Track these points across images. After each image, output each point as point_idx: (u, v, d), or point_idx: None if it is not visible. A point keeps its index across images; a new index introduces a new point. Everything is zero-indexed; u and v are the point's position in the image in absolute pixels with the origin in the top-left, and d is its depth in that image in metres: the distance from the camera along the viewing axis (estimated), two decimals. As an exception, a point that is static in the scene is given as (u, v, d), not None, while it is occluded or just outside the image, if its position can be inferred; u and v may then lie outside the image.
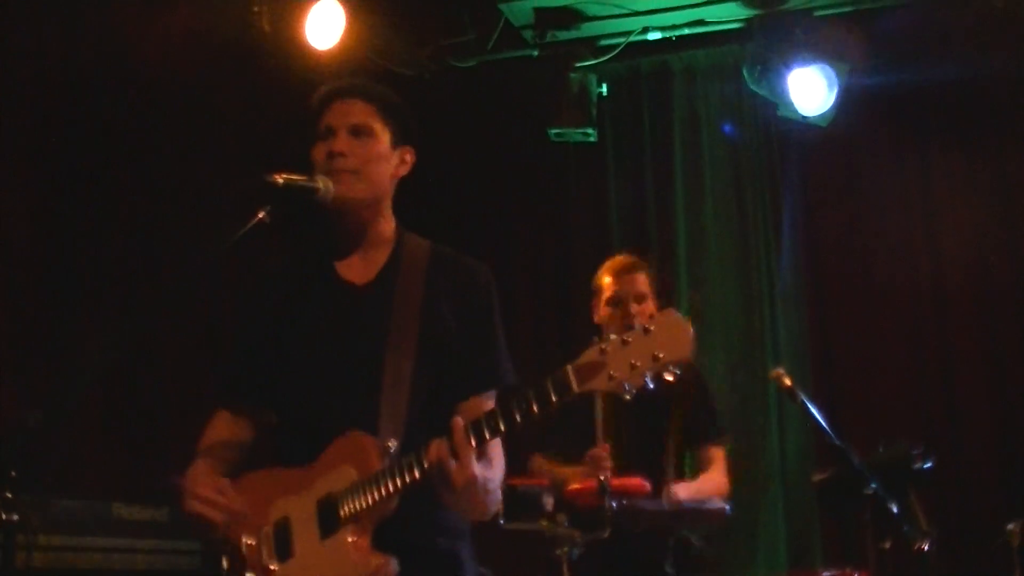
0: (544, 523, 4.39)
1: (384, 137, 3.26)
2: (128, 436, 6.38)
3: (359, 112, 3.25)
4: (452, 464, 2.84)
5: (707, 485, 5.01)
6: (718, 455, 5.17)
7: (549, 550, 4.37)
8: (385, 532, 3.00)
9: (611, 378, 2.66)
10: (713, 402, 5.31)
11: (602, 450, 4.57)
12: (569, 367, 2.71)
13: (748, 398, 6.85)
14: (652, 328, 2.64)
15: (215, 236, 3.06)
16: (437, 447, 2.86)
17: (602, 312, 5.10)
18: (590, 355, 2.69)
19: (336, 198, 3.17)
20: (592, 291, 5.19)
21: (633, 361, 2.64)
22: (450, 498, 2.92)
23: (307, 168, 3.21)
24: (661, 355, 2.63)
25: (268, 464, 3.23)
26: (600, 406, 4.67)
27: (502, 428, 2.81)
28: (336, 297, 3.25)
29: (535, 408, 2.75)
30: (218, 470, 3.24)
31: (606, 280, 5.13)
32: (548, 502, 4.40)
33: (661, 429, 5.02)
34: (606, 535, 4.38)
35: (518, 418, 2.78)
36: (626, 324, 4.95)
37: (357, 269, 3.28)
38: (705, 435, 5.14)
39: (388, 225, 3.32)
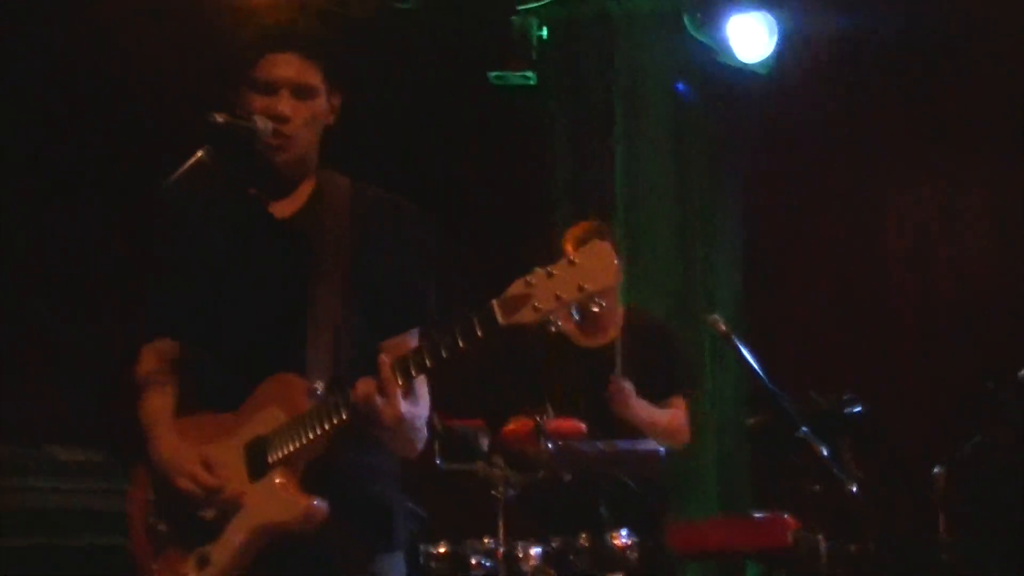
0: (480, 464, 4.41)
1: (323, 92, 3.21)
2: (63, 378, 6.35)
3: (301, 70, 3.17)
4: (379, 402, 2.84)
5: (664, 415, 5.05)
6: (679, 403, 5.22)
7: (485, 491, 4.40)
8: (315, 475, 2.99)
9: (536, 310, 2.64)
10: (676, 354, 5.34)
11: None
12: (495, 301, 2.69)
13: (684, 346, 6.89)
14: (577, 260, 2.63)
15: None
16: (364, 385, 2.86)
17: None
18: (516, 288, 2.68)
19: (277, 160, 3.15)
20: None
21: (558, 293, 2.63)
22: (378, 436, 2.94)
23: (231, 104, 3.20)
24: (586, 286, 2.62)
25: (197, 406, 3.21)
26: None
27: (428, 364, 2.81)
28: (260, 232, 3.22)
29: (461, 343, 2.74)
30: (169, 402, 3.23)
31: (569, 249, 5.10)
32: (484, 443, 4.44)
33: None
34: (541, 477, 4.42)
35: (444, 353, 2.77)
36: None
37: (280, 204, 3.25)
38: (667, 388, 5.18)
39: (312, 163, 3.29)
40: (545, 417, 4.38)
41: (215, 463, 3.05)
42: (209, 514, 3.05)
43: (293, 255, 3.18)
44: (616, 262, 2.62)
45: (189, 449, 3.08)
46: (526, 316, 2.66)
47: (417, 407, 2.99)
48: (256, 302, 3.16)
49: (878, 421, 6.38)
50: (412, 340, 3.12)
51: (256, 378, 3.07)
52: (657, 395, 5.14)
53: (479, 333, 2.72)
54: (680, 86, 7.17)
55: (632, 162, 7.12)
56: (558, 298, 2.63)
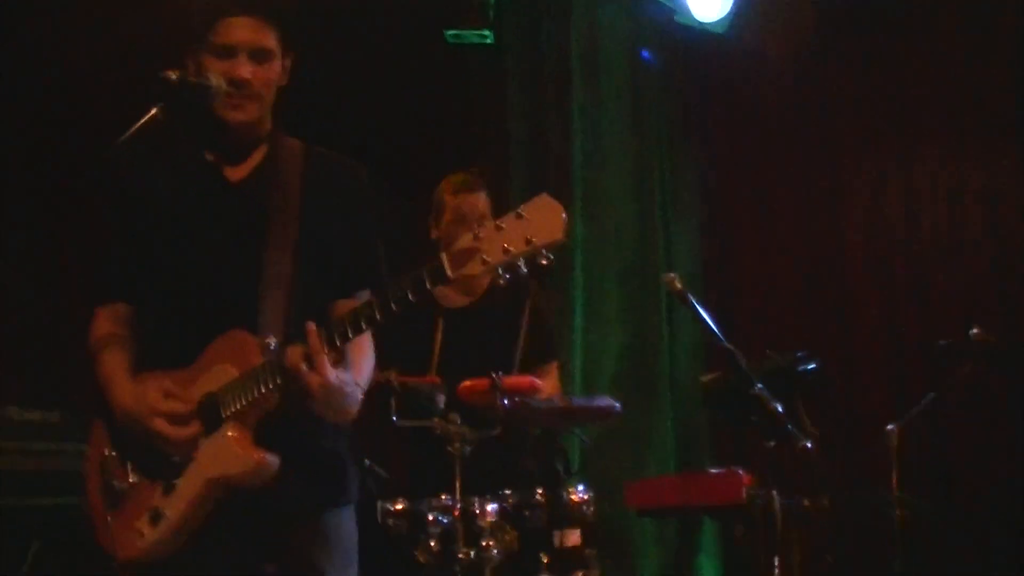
0: (436, 421, 4.42)
1: (279, 55, 3.23)
2: (19, 338, 6.33)
3: (257, 32, 3.19)
4: (306, 370, 2.87)
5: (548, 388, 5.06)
6: (552, 371, 5.20)
7: (441, 447, 4.42)
8: (267, 429, 3.03)
9: (484, 263, 2.68)
10: (547, 323, 5.35)
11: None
12: (443, 254, 2.73)
13: (641, 303, 6.93)
14: (525, 214, 2.66)
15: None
16: (292, 353, 2.88)
17: (443, 229, 5.05)
18: (464, 242, 2.71)
19: (233, 121, 3.17)
20: (432, 206, 5.11)
21: (506, 245, 2.66)
22: (306, 402, 2.95)
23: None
24: (534, 239, 2.65)
25: (151, 365, 3.21)
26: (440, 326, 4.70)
27: (379, 318, 2.83)
28: (213, 193, 3.24)
29: (411, 296, 2.77)
30: (125, 362, 3.24)
31: (448, 198, 5.10)
32: (440, 400, 4.44)
33: (506, 350, 5.05)
34: (497, 433, 4.44)
35: (395, 307, 2.80)
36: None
37: (233, 166, 3.27)
38: (540, 357, 5.17)
39: (265, 125, 3.30)
40: (499, 373, 4.39)
41: (175, 397, 3.07)
42: (175, 457, 3.07)
43: (245, 216, 3.20)
44: (563, 214, 2.64)
45: (151, 391, 3.10)
46: (474, 268, 2.70)
47: (349, 372, 3.02)
48: (208, 262, 3.17)
49: (832, 379, 6.46)
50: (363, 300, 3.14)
51: (209, 337, 3.09)
52: (533, 365, 5.14)
53: (428, 285, 2.74)
54: (644, 53, 7.17)
55: (589, 123, 7.12)
56: (506, 251, 2.66)
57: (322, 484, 3.20)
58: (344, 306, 3.09)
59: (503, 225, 2.67)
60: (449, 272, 2.71)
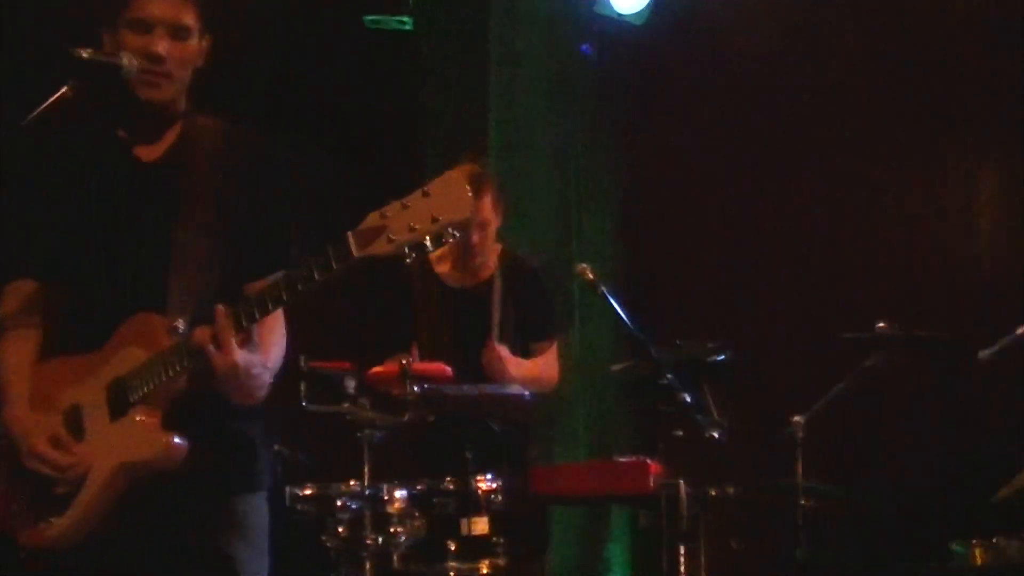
0: (346, 406, 4.42)
1: (196, 33, 3.19)
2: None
3: (176, 8, 3.14)
4: (213, 351, 2.86)
5: (535, 367, 5.12)
6: (550, 348, 5.32)
7: (351, 433, 4.42)
8: (177, 413, 3.00)
9: (391, 241, 2.66)
10: (548, 300, 5.41)
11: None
12: (349, 233, 2.71)
13: (554, 293, 6.95)
14: (431, 191, 2.65)
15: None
16: (199, 333, 2.87)
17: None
18: (371, 221, 2.69)
19: (147, 99, 3.13)
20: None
21: (412, 224, 2.64)
22: (213, 384, 2.94)
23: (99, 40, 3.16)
24: (440, 217, 2.64)
25: (60, 347, 3.18)
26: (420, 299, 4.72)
27: (285, 298, 2.82)
28: (124, 173, 3.20)
29: (317, 275, 2.76)
30: (30, 349, 3.20)
31: None
32: (350, 385, 4.44)
33: (484, 326, 5.10)
34: (406, 419, 4.45)
35: (301, 287, 2.79)
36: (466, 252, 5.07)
37: (147, 146, 3.23)
38: (540, 331, 5.27)
39: (180, 104, 3.27)
40: (410, 360, 4.40)
41: (74, 404, 3.05)
42: (60, 489, 3.04)
43: (157, 196, 3.16)
44: (470, 192, 2.65)
45: (40, 423, 3.06)
46: (380, 247, 2.67)
47: (256, 355, 3.00)
48: (119, 243, 3.14)
49: (741, 369, 6.53)
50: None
51: (119, 319, 3.06)
52: (531, 338, 5.23)
53: (334, 265, 2.73)
54: (585, 48, 7.20)
55: (507, 110, 7.12)
56: (412, 229, 2.65)
57: (234, 469, 3.18)
58: (256, 288, 3.08)
59: (409, 203, 2.66)
60: (354, 251, 2.69)
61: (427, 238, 2.66)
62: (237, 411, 3.15)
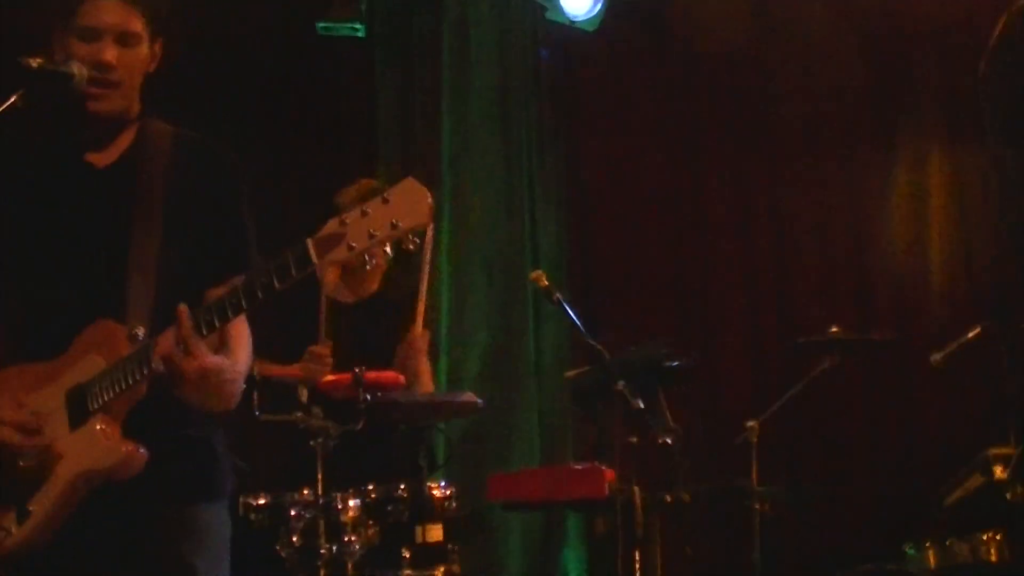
0: (299, 415, 4.41)
1: (146, 40, 3.16)
2: None
3: (123, 15, 3.11)
4: (180, 356, 2.83)
5: (425, 374, 5.13)
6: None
7: (304, 442, 4.40)
8: (137, 421, 2.97)
9: (351, 248, 2.65)
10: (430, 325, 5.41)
11: (324, 348, 4.62)
12: (309, 240, 2.68)
13: (507, 298, 6.97)
14: (391, 198, 2.64)
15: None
16: (165, 339, 2.84)
17: None
18: (330, 228, 2.67)
19: (97, 107, 3.10)
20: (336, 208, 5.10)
21: (372, 230, 2.63)
22: (182, 390, 2.90)
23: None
24: (399, 223, 2.62)
25: (17, 357, 3.13)
26: (324, 309, 4.69)
27: (244, 306, 2.80)
28: (77, 181, 3.17)
29: (276, 283, 2.74)
30: None
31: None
32: (303, 394, 4.42)
33: (389, 339, 5.07)
34: (360, 427, 4.43)
35: (260, 294, 2.77)
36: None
37: (99, 152, 3.20)
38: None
39: (133, 110, 3.24)
40: (363, 368, 4.39)
41: (34, 411, 3.01)
42: (30, 462, 3.00)
43: (111, 203, 3.13)
44: (429, 198, 2.63)
45: (6, 398, 3.03)
46: (340, 254, 2.66)
47: (227, 359, 2.96)
48: (74, 251, 3.11)
49: (696, 375, 6.56)
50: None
51: (77, 327, 3.03)
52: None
53: (294, 272, 2.72)
54: (543, 52, 7.21)
55: (458, 116, 7.14)
56: (371, 235, 2.63)
57: (193, 477, 3.14)
58: (216, 294, 3.05)
59: (368, 210, 2.64)
60: (314, 258, 2.68)
61: (387, 244, 2.65)
62: (197, 419, 3.12)
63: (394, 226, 2.63)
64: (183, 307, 2.85)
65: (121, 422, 2.97)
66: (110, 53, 3.08)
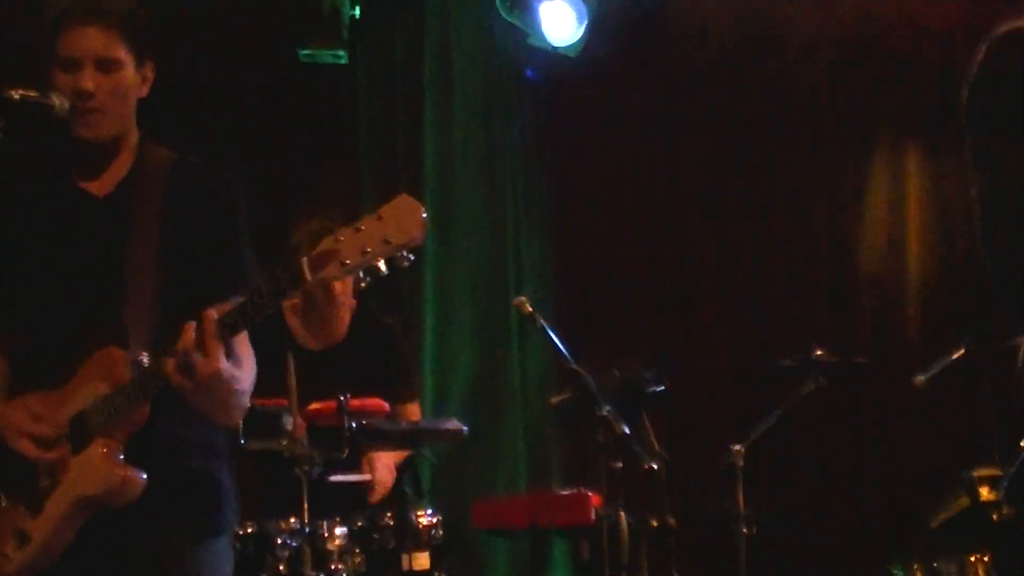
0: (285, 443, 4.40)
1: (130, 64, 3.15)
2: None
3: (103, 42, 3.10)
4: (198, 356, 2.82)
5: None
6: (414, 409, 5.28)
7: (289, 470, 4.39)
8: (139, 448, 2.97)
9: (344, 265, 2.65)
10: (404, 359, 5.39)
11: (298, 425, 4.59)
12: (303, 258, 2.69)
13: (491, 322, 6.98)
14: (384, 215, 2.64)
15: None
16: (184, 341, 2.82)
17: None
18: (325, 245, 2.67)
19: (84, 135, 3.10)
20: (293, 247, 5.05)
21: (366, 247, 2.63)
22: (193, 395, 2.88)
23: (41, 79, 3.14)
24: (393, 240, 2.62)
25: (21, 388, 3.14)
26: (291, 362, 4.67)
27: (240, 325, 2.81)
28: (75, 210, 3.17)
29: (271, 301, 2.76)
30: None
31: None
32: (288, 422, 4.42)
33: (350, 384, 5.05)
34: (344, 455, 4.43)
35: (255, 314, 2.79)
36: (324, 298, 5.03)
37: (96, 181, 3.20)
38: (402, 395, 5.22)
39: (130, 137, 3.24)
40: (347, 396, 4.39)
41: (44, 420, 3.02)
42: (45, 481, 3.01)
43: (110, 231, 3.13)
44: (422, 214, 2.63)
45: (19, 413, 3.03)
46: (334, 271, 2.67)
47: (239, 370, 2.95)
48: (74, 280, 3.12)
49: (682, 398, 6.56)
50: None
51: (80, 356, 3.03)
52: (391, 400, 5.13)
53: (288, 291, 2.73)
54: (529, 72, 7.23)
55: (441, 142, 7.15)
56: (365, 252, 2.63)
57: (197, 510, 3.14)
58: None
59: (362, 227, 2.64)
60: (308, 276, 2.68)
61: (381, 261, 2.65)
62: (203, 447, 3.14)
63: (387, 242, 2.63)
64: (211, 311, 2.84)
65: (121, 449, 2.97)
66: (89, 81, 3.08)
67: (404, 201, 2.66)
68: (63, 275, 3.12)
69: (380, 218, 2.64)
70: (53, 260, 3.14)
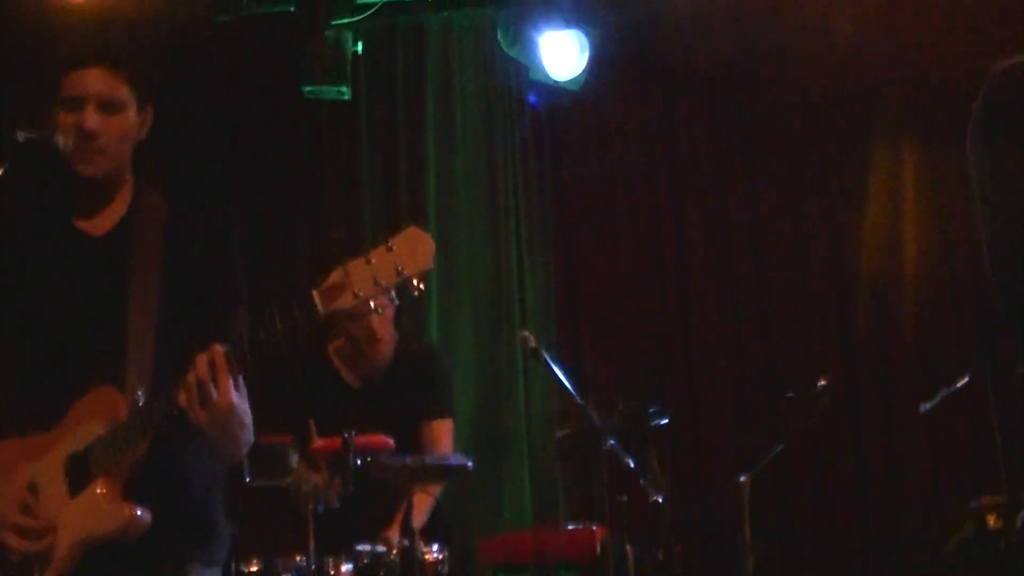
0: (290, 480, 4.40)
1: (132, 106, 3.15)
2: None
3: (107, 84, 3.11)
4: (212, 389, 2.82)
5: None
6: (444, 430, 5.30)
7: (294, 506, 4.39)
8: (137, 485, 2.97)
9: (355, 296, 2.66)
10: (446, 380, 5.44)
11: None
12: (315, 290, 2.70)
13: (495, 357, 6.98)
14: (394, 246, 2.66)
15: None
16: (199, 372, 2.82)
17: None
18: (335, 277, 2.69)
19: (85, 173, 3.10)
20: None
21: (377, 278, 2.65)
22: (204, 425, 2.87)
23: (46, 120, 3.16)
24: (404, 270, 2.64)
25: (15, 426, 3.14)
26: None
27: (249, 356, 2.81)
28: (73, 250, 3.18)
29: (282, 334, 2.75)
30: None
31: None
32: (293, 459, 4.42)
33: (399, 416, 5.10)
34: (350, 492, 4.42)
35: (264, 344, 2.78)
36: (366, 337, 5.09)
37: (94, 221, 3.21)
38: (431, 411, 5.26)
39: (126, 178, 3.25)
40: (352, 432, 4.39)
41: (32, 481, 3.01)
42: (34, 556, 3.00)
43: (108, 271, 3.14)
44: (432, 244, 2.65)
45: (7, 501, 3.02)
46: (345, 302, 2.68)
47: (245, 403, 2.95)
48: (71, 320, 3.11)
49: (686, 431, 6.56)
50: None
51: (76, 395, 3.03)
52: (424, 416, 5.24)
53: (300, 323, 2.73)
54: (531, 97, 7.26)
55: (444, 175, 7.19)
56: (376, 283, 2.65)
57: (191, 542, 3.13)
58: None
59: (373, 259, 2.66)
60: (320, 308, 2.69)
61: (392, 291, 2.67)
62: (197, 482, 3.14)
63: (399, 273, 2.65)
64: (219, 346, 2.84)
65: (122, 487, 2.97)
66: (92, 121, 3.09)
67: (414, 232, 2.68)
68: (61, 313, 3.12)
69: (390, 249, 2.66)
70: (51, 299, 3.14)
